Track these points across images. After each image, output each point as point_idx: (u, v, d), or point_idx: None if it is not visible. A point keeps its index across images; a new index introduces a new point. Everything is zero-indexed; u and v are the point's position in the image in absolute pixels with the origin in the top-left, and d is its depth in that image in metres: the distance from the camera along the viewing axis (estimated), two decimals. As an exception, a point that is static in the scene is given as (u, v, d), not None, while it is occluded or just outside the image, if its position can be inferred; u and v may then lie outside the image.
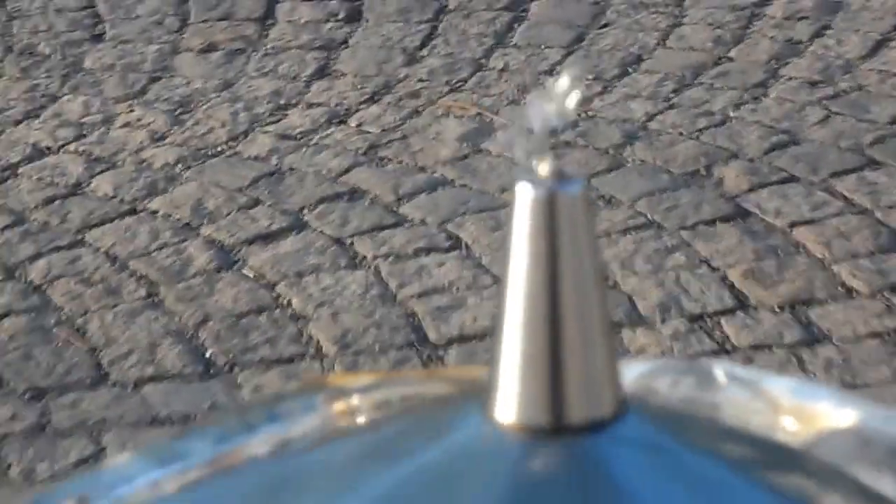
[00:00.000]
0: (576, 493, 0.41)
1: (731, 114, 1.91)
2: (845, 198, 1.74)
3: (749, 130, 1.88)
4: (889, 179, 1.74)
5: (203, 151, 1.85)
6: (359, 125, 1.91)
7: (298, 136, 1.88)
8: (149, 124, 1.91)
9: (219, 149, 1.84)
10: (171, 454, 0.58)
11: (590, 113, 1.90)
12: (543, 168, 0.40)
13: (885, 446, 0.53)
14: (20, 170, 1.84)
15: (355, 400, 0.57)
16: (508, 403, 0.43)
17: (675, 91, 1.97)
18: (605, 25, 2.12)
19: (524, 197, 0.40)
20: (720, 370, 0.60)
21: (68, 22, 2.17)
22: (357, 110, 1.94)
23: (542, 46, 2.03)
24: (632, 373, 0.54)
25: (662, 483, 0.43)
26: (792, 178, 1.77)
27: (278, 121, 1.92)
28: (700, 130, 1.88)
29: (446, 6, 2.18)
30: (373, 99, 1.97)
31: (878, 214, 1.71)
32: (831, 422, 0.57)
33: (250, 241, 1.70)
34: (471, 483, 0.43)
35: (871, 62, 1.98)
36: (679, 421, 0.51)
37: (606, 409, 0.42)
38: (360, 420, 0.56)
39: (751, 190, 1.77)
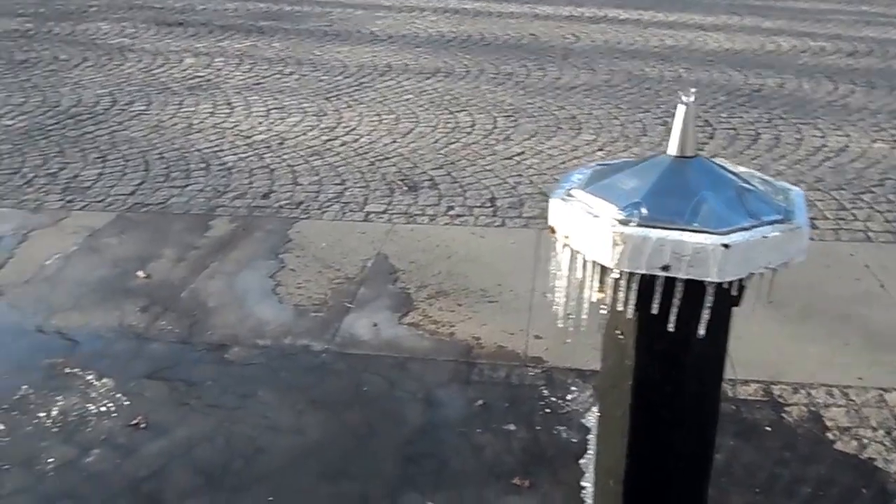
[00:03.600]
0: (687, 171, 1.67)
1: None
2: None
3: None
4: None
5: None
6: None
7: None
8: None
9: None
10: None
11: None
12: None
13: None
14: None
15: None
16: (672, 150, 1.69)
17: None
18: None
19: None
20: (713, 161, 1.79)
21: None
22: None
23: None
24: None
25: (708, 174, 1.68)
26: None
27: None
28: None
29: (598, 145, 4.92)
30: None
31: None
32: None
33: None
34: (661, 165, 1.70)
35: None
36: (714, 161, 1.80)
37: (693, 152, 1.69)
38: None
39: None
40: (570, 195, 1.64)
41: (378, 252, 3.74)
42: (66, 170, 4.79)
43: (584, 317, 1.62)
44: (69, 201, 4.37)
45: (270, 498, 2.36)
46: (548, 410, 2.67)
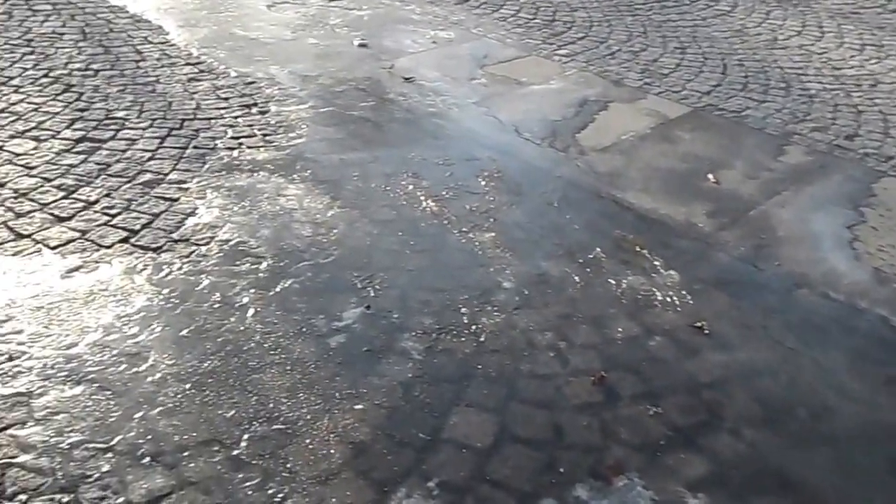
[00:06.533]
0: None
1: None
2: None
3: None
4: None
5: None
6: None
7: None
8: None
9: None
10: None
11: None
12: None
13: None
14: None
15: None
16: None
17: None
18: None
19: None
20: None
21: None
22: None
23: None
24: None
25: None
26: None
27: None
28: None
29: None
30: None
31: None
32: None
33: None
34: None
35: None
36: None
37: None
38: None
39: None
40: None
41: None
42: (647, 52, 4.77)
43: None
44: (646, 83, 4.34)
45: (832, 464, 2.11)
46: None
